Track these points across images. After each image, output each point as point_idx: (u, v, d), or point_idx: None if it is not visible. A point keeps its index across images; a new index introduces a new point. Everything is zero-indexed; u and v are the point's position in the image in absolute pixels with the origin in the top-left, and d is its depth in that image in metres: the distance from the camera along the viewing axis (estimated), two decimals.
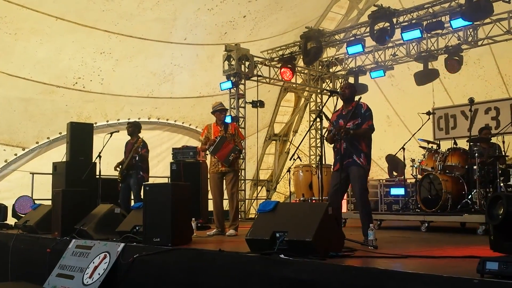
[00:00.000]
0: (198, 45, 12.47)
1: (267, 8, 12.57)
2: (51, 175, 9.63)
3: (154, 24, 11.37)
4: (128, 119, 11.85)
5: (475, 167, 7.75)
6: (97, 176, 8.29)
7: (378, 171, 14.99)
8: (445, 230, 8.07)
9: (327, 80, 14.66)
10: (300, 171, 10.11)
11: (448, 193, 7.79)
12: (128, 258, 5.44)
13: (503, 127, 9.66)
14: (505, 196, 3.22)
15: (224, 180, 7.39)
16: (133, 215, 6.44)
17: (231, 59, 12.14)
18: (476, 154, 7.74)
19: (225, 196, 7.51)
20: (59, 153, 10.06)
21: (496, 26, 10.49)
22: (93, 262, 5.82)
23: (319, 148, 14.26)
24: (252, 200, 15.19)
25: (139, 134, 8.71)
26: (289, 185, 10.78)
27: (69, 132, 9.54)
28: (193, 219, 6.76)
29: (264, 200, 13.92)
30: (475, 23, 10.35)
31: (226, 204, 7.69)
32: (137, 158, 8.24)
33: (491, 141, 8.75)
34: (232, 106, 12.38)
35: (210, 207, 8.44)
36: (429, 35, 11.36)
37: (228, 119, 10.39)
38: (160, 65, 12.34)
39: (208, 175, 7.83)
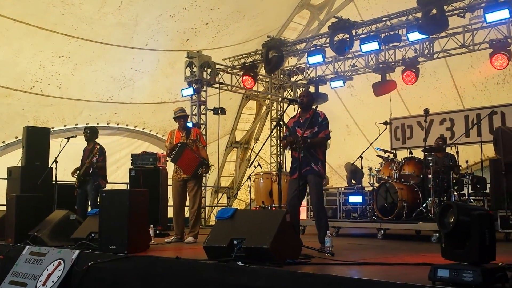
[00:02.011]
0: (160, 51, 12.36)
1: (230, 16, 12.59)
2: (5, 180, 9.33)
3: (115, 29, 11.20)
4: (87, 124, 11.63)
5: (429, 176, 7.94)
6: (53, 182, 8.10)
7: (337, 179, 15.17)
8: (400, 237, 8.21)
9: (288, 89, 14.77)
10: (261, 178, 10.10)
11: (404, 201, 7.94)
12: (82, 266, 5.32)
13: (457, 138, 9.95)
14: (456, 205, 3.29)
15: (187, 187, 7.31)
16: (89, 221, 6.33)
17: (193, 66, 12.08)
18: (431, 164, 7.93)
19: (187, 203, 7.44)
20: (15, 158, 9.74)
21: (451, 40, 10.82)
22: (47, 270, 5.68)
23: (279, 156, 14.32)
24: (213, 207, 15.11)
25: (97, 140, 8.54)
26: (250, 192, 10.78)
27: (25, 136, 9.26)
28: (151, 226, 6.67)
29: (224, 207, 13.86)
30: (431, 36, 10.63)
31: (187, 211, 7.61)
32: (92, 169, 8.09)
33: (446, 151, 9.00)
34: (194, 113, 12.31)
35: (170, 214, 8.34)
36: (387, 47, 11.60)
37: (189, 125, 10.33)
38: (121, 70, 12.15)
39: (170, 181, 7.74)
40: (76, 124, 12.19)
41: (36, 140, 9.20)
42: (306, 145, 5.54)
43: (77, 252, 5.61)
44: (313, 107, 5.85)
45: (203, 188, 12.13)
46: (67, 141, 8.06)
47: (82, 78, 11.68)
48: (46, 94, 11.42)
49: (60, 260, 5.66)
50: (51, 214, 7.12)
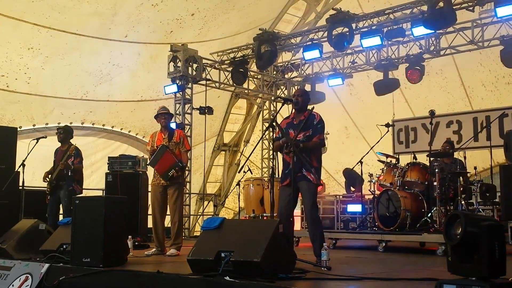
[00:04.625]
0: (141, 43, 12.35)
1: (218, 6, 12.60)
2: None
3: (91, 19, 11.17)
4: (58, 123, 11.57)
5: (435, 183, 7.98)
6: (20, 187, 8.04)
7: (335, 186, 15.21)
8: (403, 250, 8.26)
9: (282, 87, 14.81)
10: (251, 184, 10.11)
11: (407, 211, 7.98)
12: (53, 281, 5.28)
13: (465, 142, 10.02)
14: (464, 214, 3.32)
15: (167, 194, 7.28)
16: (61, 231, 6.29)
17: (177, 61, 12.07)
18: (436, 170, 7.98)
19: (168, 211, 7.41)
20: None
21: (459, 36, 10.91)
22: (13, 285, 5.64)
23: (271, 160, 14.34)
24: (198, 216, 15.09)
25: (71, 141, 8.49)
26: (239, 200, 10.79)
27: None
28: (129, 237, 6.65)
29: (210, 216, 13.86)
30: (437, 31, 10.72)
31: (168, 221, 7.59)
32: (67, 172, 8.01)
33: (453, 156, 9.06)
34: (177, 112, 12.29)
35: (150, 223, 8.31)
36: (389, 42, 11.67)
37: (173, 126, 10.32)
38: (97, 64, 12.12)
39: (150, 187, 7.72)
40: (47, 124, 12.14)
41: (1, 141, 9.13)
42: (299, 149, 5.55)
43: (46, 265, 5.57)
44: (309, 107, 5.87)
45: (187, 195, 12.24)
46: (36, 142, 8.00)
47: (53, 72, 11.63)
48: (13, 89, 11.37)
49: (28, 275, 5.61)
50: (18, 223, 7.08)
